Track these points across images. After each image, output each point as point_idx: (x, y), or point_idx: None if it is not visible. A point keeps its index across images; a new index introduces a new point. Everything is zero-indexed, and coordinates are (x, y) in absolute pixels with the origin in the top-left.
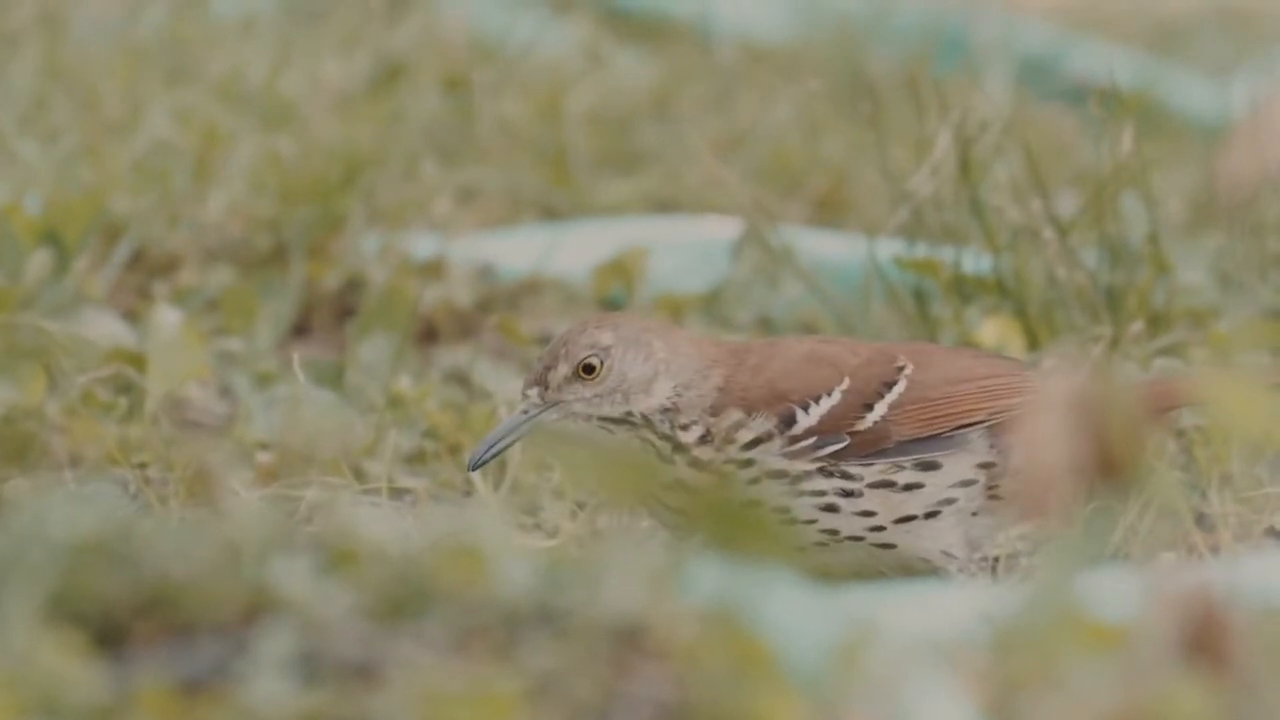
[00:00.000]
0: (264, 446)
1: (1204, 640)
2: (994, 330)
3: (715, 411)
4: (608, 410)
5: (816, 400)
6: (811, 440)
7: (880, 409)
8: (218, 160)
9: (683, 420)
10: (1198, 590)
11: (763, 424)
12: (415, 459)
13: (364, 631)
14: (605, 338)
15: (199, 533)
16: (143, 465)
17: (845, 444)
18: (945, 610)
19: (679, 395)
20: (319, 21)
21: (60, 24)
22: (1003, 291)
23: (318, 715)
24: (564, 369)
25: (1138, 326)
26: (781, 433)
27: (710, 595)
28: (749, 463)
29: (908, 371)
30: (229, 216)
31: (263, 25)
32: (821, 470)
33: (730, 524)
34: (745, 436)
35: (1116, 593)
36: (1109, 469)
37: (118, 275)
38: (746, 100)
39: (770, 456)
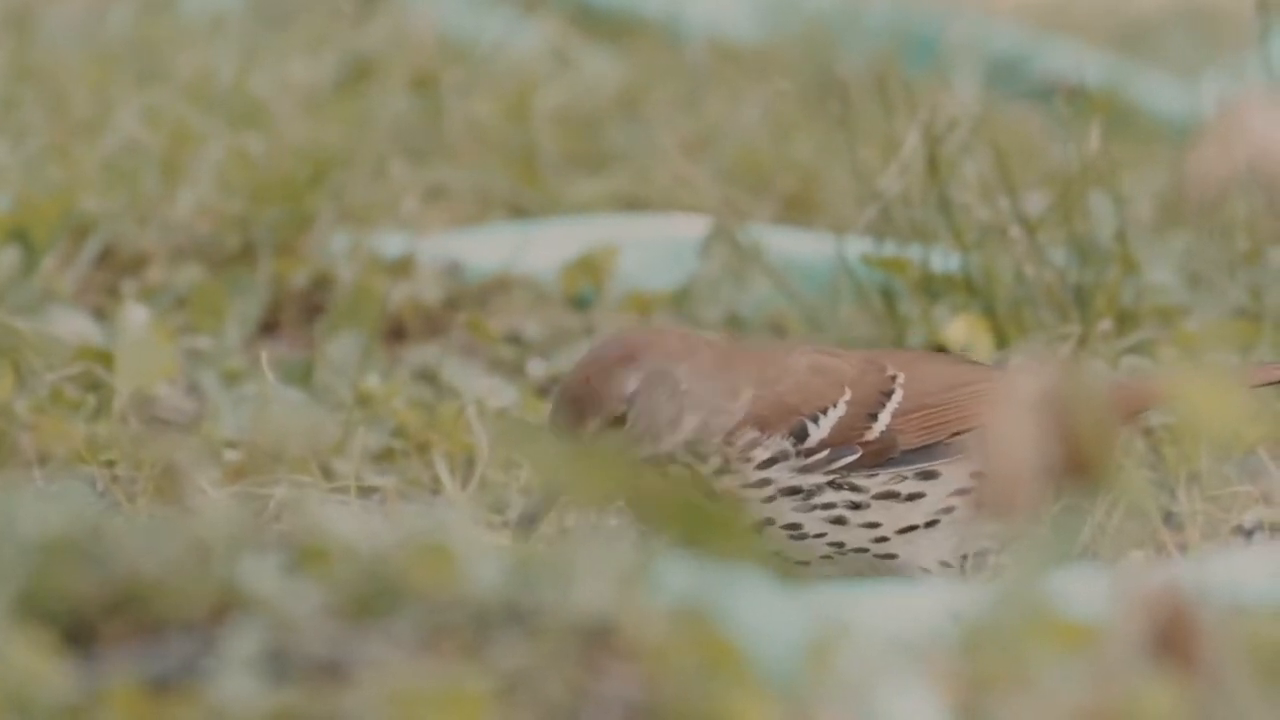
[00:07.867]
0: (232, 444)
1: (1173, 639)
2: (962, 328)
3: (732, 437)
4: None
5: (824, 412)
6: (825, 453)
7: (884, 418)
8: (186, 159)
9: (700, 449)
10: (1166, 589)
11: (778, 442)
12: (383, 457)
13: (333, 630)
14: (632, 382)
15: (167, 531)
16: (111, 463)
17: (857, 455)
18: (915, 610)
19: (703, 426)
20: (287, 21)
21: (28, 24)
22: (971, 290)
23: (287, 714)
24: (593, 423)
25: (1106, 325)
26: (795, 448)
27: (681, 595)
28: (765, 482)
29: (901, 380)
30: (198, 215)
31: (231, 25)
32: (831, 483)
33: (699, 524)
34: (761, 456)
35: (1085, 592)
36: (1077, 467)
37: (86, 273)
38: (716, 99)
39: (785, 473)
